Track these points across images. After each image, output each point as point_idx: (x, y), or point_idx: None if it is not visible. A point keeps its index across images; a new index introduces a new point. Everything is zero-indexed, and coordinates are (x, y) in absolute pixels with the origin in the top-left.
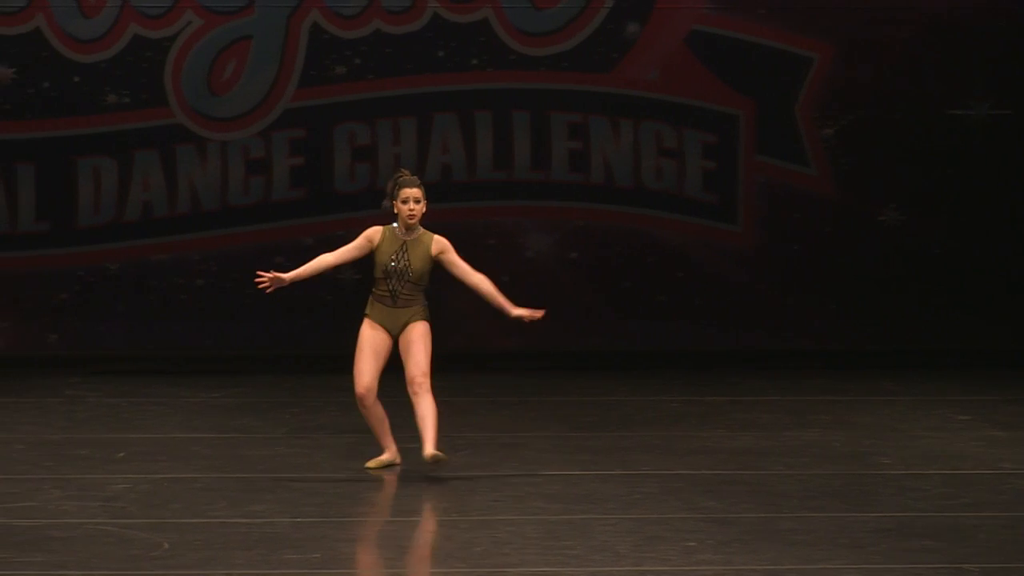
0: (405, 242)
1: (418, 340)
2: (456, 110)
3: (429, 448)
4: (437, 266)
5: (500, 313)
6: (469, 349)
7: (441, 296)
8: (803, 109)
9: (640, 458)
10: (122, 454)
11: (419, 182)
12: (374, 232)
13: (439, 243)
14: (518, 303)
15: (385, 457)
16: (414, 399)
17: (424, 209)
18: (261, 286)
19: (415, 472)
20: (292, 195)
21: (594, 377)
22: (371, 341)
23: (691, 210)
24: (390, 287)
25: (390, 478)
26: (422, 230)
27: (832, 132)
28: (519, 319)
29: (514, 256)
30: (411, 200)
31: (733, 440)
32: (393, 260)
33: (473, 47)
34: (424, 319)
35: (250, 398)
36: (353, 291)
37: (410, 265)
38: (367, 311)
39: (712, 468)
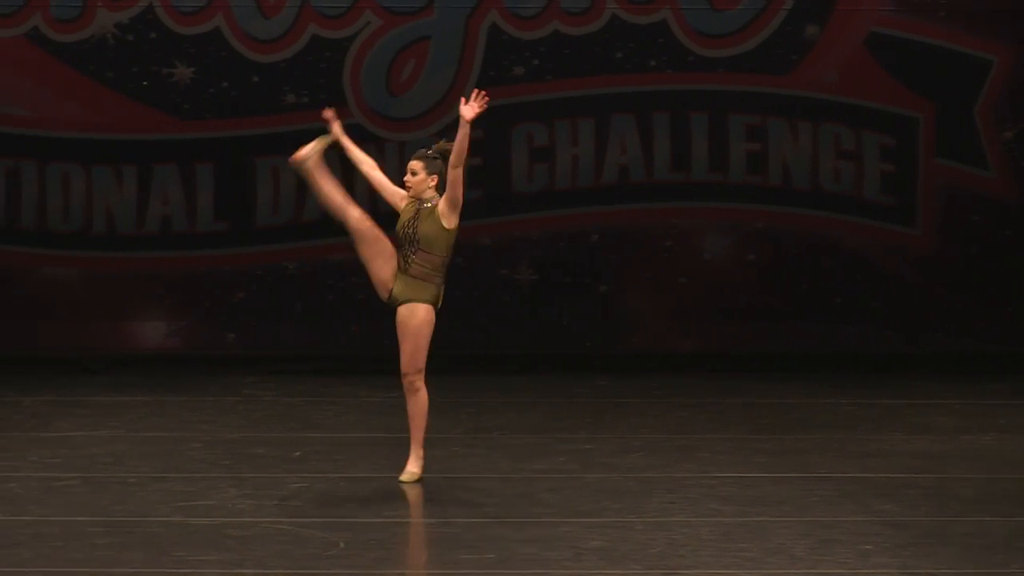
0: (419, 209)
1: (415, 334)
2: (634, 111)
3: (412, 464)
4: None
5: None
6: (646, 350)
7: (617, 298)
8: (983, 112)
9: (816, 460)
10: (298, 453)
11: (425, 154)
12: (403, 196)
13: (440, 203)
14: (694, 304)
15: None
16: (406, 397)
17: (425, 180)
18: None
19: (592, 473)
20: (470, 195)
21: (770, 379)
22: (388, 245)
23: (869, 212)
24: (404, 254)
25: (567, 480)
26: (438, 198)
27: (1012, 135)
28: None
29: (691, 258)
30: (408, 172)
31: (909, 443)
32: (405, 228)
33: (652, 48)
34: (430, 302)
35: None
36: (530, 291)
37: (417, 233)
38: None
39: (888, 471)
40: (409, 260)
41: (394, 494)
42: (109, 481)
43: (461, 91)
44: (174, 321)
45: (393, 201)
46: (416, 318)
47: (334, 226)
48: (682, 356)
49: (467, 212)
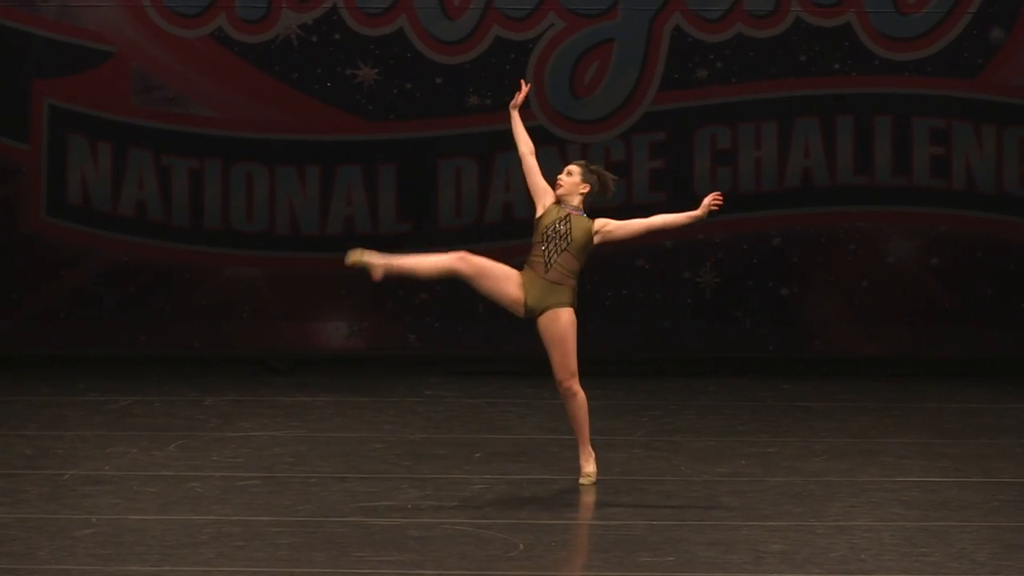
0: (570, 214)
1: (561, 339)
2: (818, 115)
3: (586, 465)
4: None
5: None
6: (828, 354)
7: (799, 301)
8: None
9: (1000, 465)
10: (480, 454)
11: (584, 164)
12: (550, 195)
13: (599, 221)
14: (877, 308)
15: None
16: (564, 402)
17: (578, 185)
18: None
19: (774, 477)
20: (652, 198)
21: (953, 384)
22: (504, 274)
23: None
24: (546, 253)
25: (749, 484)
26: (583, 211)
27: None
28: (712, 208)
29: (875, 261)
30: (564, 171)
31: None
32: (556, 225)
33: (836, 51)
34: (569, 305)
35: (608, 400)
36: (713, 293)
37: (571, 233)
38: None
39: None
40: (552, 261)
41: (575, 496)
42: (291, 481)
43: (645, 93)
44: (357, 321)
45: (535, 191)
46: (560, 323)
47: (516, 228)
48: (865, 360)
49: (649, 214)
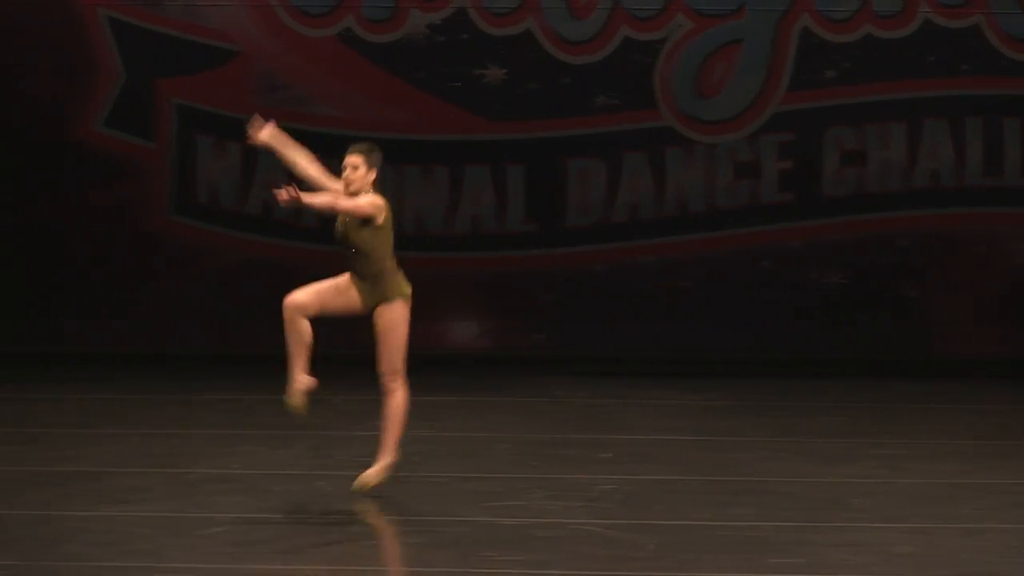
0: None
1: (389, 332)
2: (946, 116)
3: (372, 470)
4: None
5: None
6: (956, 355)
7: (927, 302)
8: None
9: None
10: (608, 455)
11: (365, 149)
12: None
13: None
14: (1005, 310)
15: (300, 382)
16: (383, 397)
17: (366, 176)
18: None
19: (902, 479)
20: (780, 198)
21: None
22: (331, 286)
23: None
24: (347, 258)
25: (877, 485)
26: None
27: None
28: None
29: (1003, 263)
30: (348, 167)
31: None
32: (341, 228)
33: (964, 52)
34: (398, 296)
35: (734, 400)
36: (840, 295)
37: (350, 235)
38: None
39: None
40: (354, 265)
41: (703, 497)
42: (418, 480)
43: (772, 94)
44: (484, 321)
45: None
46: (387, 318)
47: (642, 228)
48: (993, 361)
49: (777, 215)
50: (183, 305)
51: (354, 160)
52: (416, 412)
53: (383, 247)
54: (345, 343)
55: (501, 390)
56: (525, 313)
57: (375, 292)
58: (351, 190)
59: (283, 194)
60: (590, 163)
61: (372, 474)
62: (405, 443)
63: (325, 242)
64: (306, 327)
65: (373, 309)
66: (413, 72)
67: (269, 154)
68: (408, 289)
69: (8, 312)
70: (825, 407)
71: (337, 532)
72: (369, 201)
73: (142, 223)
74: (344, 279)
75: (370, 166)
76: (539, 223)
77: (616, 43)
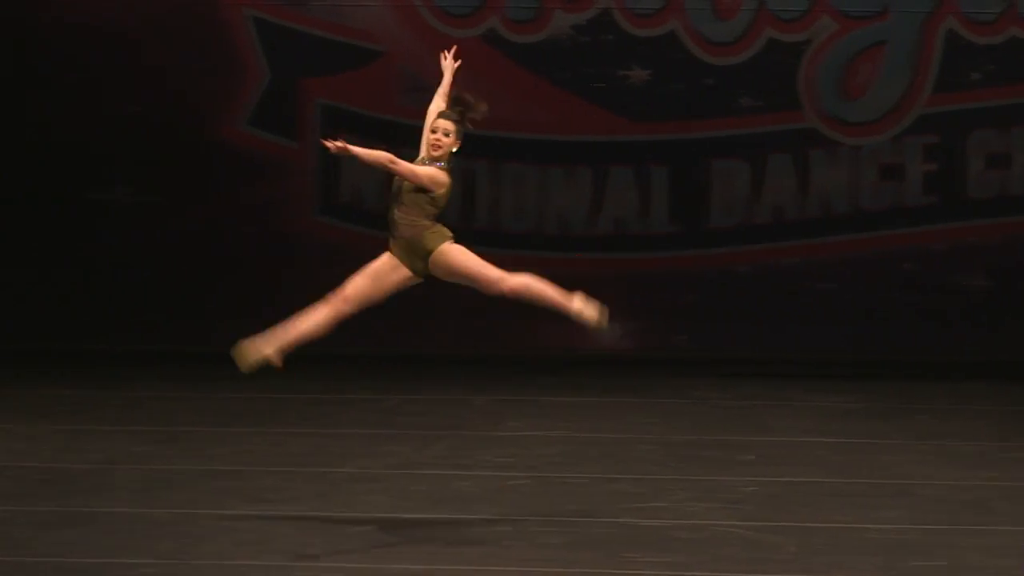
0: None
1: (461, 265)
2: None
3: (576, 303)
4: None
5: None
6: None
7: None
8: None
9: None
10: (750, 457)
11: (455, 118)
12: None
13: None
14: None
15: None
16: (513, 291)
17: (452, 145)
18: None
19: None
20: (924, 201)
21: None
22: (377, 270)
23: None
24: (391, 215)
25: (1019, 489)
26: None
27: None
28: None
29: None
30: (440, 131)
31: None
32: (396, 182)
33: None
34: (443, 241)
35: (878, 402)
36: (984, 297)
37: (402, 189)
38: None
39: None
40: (395, 220)
41: (844, 499)
42: (559, 481)
43: (917, 96)
44: (626, 322)
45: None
46: (448, 256)
47: (785, 229)
48: None
49: (920, 218)
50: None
51: (447, 126)
52: (557, 413)
53: (429, 211)
54: (490, 344)
55: (642, 391)
56: (667, 314)
57: (417, 251)
58: (436, 154)
59: (332, 145)
60: (734, 164)
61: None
62: (546, 444)
63: (466, 242)
64: (321, 324)
65: (426, 269)
66: (557, 73)
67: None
68: (449, 232)
69: (156, 311)
70: (968, 410)
71: (478, 532)
72: (429, 174)
73: (286, 223)
74: (385, 259)
75: (458, 137)
76: (682, 224)
77: (760, 44)
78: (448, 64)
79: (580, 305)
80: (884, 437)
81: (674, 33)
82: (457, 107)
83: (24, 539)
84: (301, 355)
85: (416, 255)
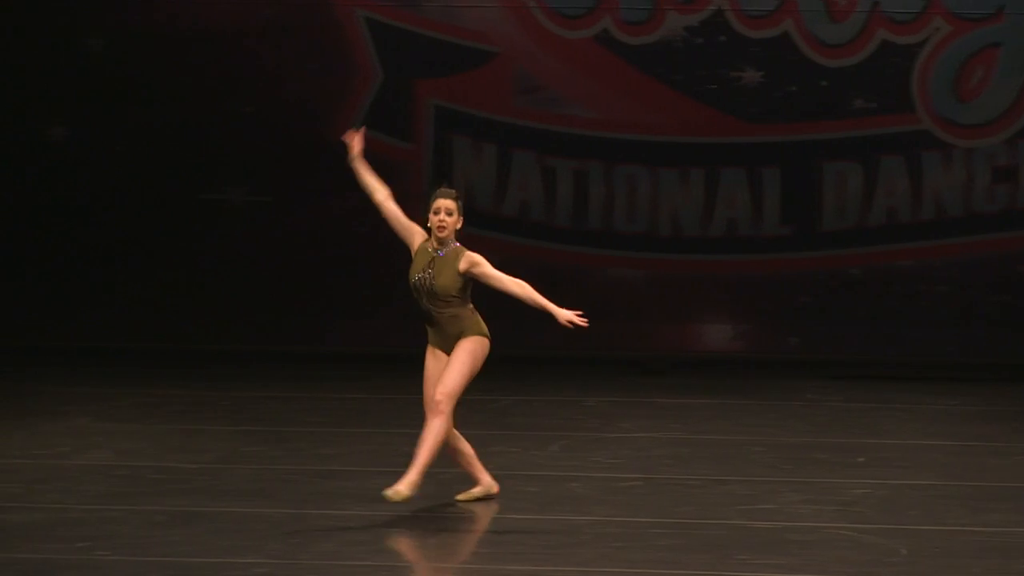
0: (434, 259)
1: (455, 355)
2: None
3: (401, 483)
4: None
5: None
6: None
7: None
8: None
9: None
10: (861, 459)
11: (456, 195)
12: (419, 234)
13: (469, 259)
14: None
15: (476, 490)
16: (427, 418)
17: (457, 223)
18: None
19: None
20: None
21: None
22: (432, 372)
23: None
24: (423, 306)
25: None
26: (456, 246)
27: None
28: (567, 324)
29: None
30: (442, 211)
31: None
32: (419, 275)
33: None
34: (475, 334)
35: (989, 405)
36: None
37: (435, 282)
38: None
39: None
40: (434, 313)
41: (956, 502)
42: (670, 483)
43: None
44: (737, 324)
45: (405, 233)
46: (464, 345)
47: (898, 231)
48: None
49: None
50: None
51: (448, 205)
52: (669, 414)
53: (464, 287)
54: (589, 344)
55: (754, 393)
56: (779, 316)
57: (453, 336)
58: (442, 236)
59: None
60: (846, 166)
61: (403, 488)
62: (657, 445)
63: (580, 243)
64: (460, 444)
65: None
66: (670, 74)
67: (525, 155)
68: (486, 329)
69: (268, 311)
70: None
71: (589, 533)
72: (491, 268)
73: None
74: (432, 361)
75: (460, 213)
76: (795, 226)
77: (874, 46)
78: (357, 158)
79: (398, 489)
80: (997, 440)
81: (787, 34)
82: (451, 186)
83: (136, 538)
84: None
85: (454, 340)
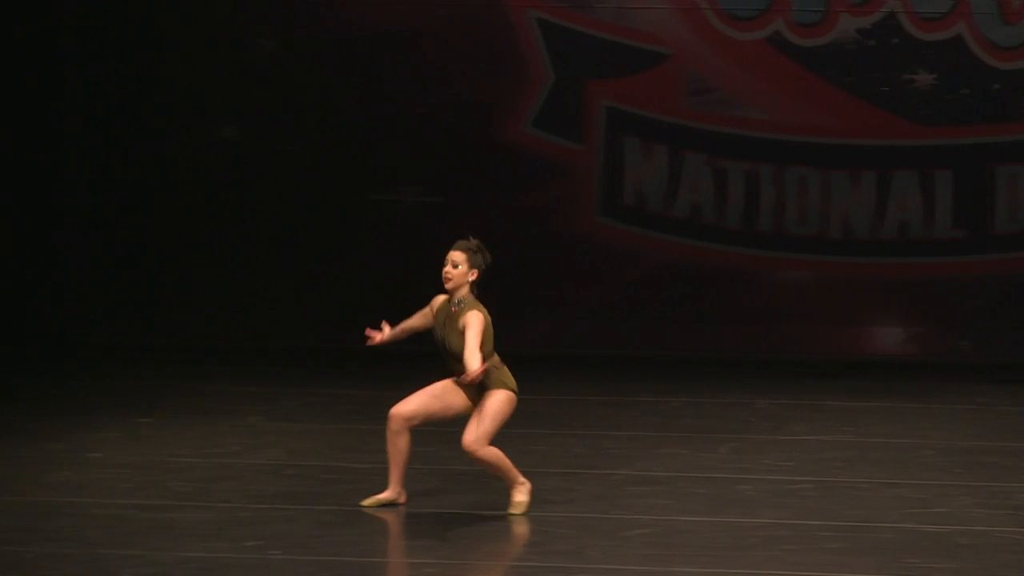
0: (448, 315)
1: (485, 412)
2: None
3: (518, 495)
4: None
5: None
6: None
7: None
8: None
9: None
10: None
11: (470, 247)
12: (436, 299)
13: (467, 317)
14: None
15: (384, 495)
16: (479, 458)
17: (466, 275)
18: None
19: None
20: None
21: None
22: (440, 394)
23: None
24: (448, 364)
25: None
26: (470, 299)
27: None
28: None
29: None
30: (449, 262)
31: None
32: (441, 335)
33: None
34: (500, 387)
35: None
36: None
37: (448, 341)
38: None
39: None
40: (456, 371)
41: None
42: (841, 486)
43: None
44: (909, 327)
45: (426, 320)
46: (493, 399)
47: None
48: None
49: None
50: (608, 307)
51: (455, 256)
52: (840, 417)
53: (483, 350)
54: (759, 347)
55: (925, 396)
56: (950, 319)
57: (479, 389)
58: (448, 286)
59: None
60: (1019, 169)
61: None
62: (827, 448)
63: (750, 245)
64: (404, 442)
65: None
66: (842, 76)
67: (696, 157)
68: (513, 383)
69: None
70: None
71: (759, 536)
72: (475, 330)
73: (569, 225)
74: (447, 383)
75: (472, 265)
76: (966, 229)
77: None
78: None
79: (522, 496)
80: None
81: (960, 37)
82: (474, 239)
83: (306, 538)
84: (584, 356)
85: (476, 391)
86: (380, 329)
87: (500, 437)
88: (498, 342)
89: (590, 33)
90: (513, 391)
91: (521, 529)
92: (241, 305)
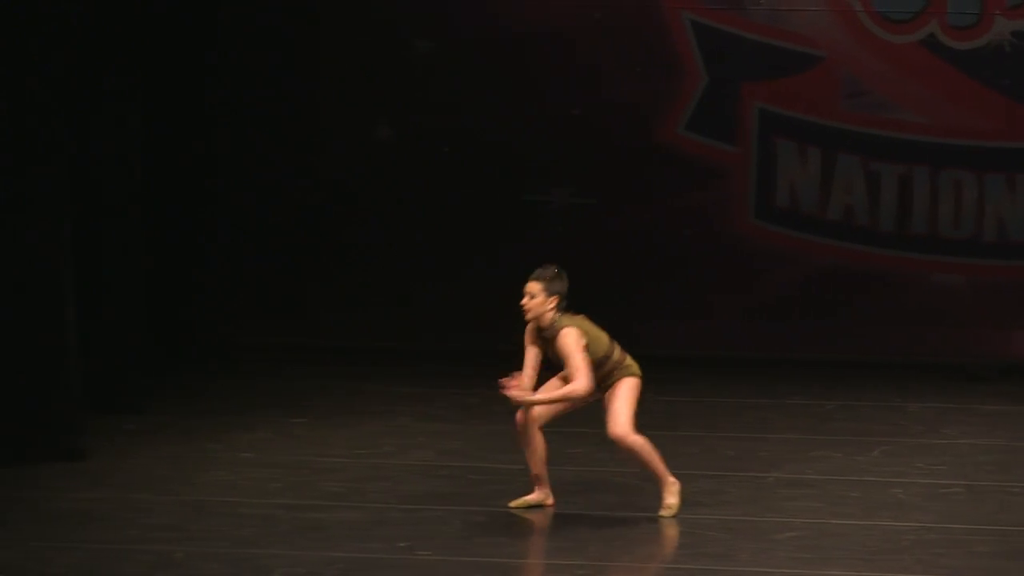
0: (546, 340)
1: (617, 398)
2: None
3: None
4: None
5: None
6: None
7: None
8: None
9: None
10: None
11: (545, 275)
12: (527, 330)
13: (560, 344)
14: None
15: (532, 497)
16: (629, 446)
17: (544, 304)
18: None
19: None
20: None
21: None
22: (555, 382)
23: None
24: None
25: None
26: (557, 321)
27: None
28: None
29: None
30: (526, 294)
31: None
32: (551, 355)
33: None
34: (629, 375)
35: None
36: None
37: (560, 363)
38: None
39: None
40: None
41: None
42: (992, 490)
43: None
44: None
45: (534, 353)
46: (624, 384)
47: None
48: None
49: None
50: (760, 309)
51: (531, 288)
52: (993, 421)
53: (594, 356)
54: (912, 350)
55: None
56: None
57: (604, 384)
58: (528, 318)
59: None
60: None
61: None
62: (981, 452)
63: (904, 248)
64: (539, 442)
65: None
66: (997, 78)
67: (850, 159)
68: (637, 368)
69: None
70: None
71: (910, 540)
72: (573, 352)
73: (723, 227)
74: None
75: (550, 294)
76: None
77: None
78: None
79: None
80: None
81: None
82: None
83: (457, 539)
84: (732, 359)
85: (603, 386)
86: (511, 376)
87: (650, 439)
88: (648, 342)
89: (744, 35)
90: (638, 376)
91: (671, 531)
92: (393, 306)
